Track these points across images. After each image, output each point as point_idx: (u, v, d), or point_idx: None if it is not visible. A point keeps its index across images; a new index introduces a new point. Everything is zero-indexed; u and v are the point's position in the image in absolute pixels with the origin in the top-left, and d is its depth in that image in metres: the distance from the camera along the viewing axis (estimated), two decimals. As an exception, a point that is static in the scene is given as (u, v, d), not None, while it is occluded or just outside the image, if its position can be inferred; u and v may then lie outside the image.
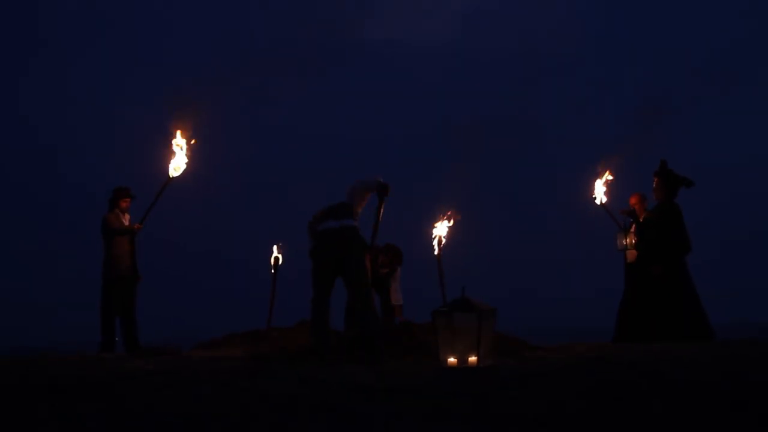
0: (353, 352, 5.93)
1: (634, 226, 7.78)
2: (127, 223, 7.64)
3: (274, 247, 8.18)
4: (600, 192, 8.21)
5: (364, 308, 5.77)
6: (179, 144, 7.51)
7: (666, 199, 7.52)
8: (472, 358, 5.00)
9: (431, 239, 7.52)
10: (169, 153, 7.50)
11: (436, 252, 7.47)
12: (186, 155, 7.52)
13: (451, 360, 5.05)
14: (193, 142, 7.53)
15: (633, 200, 7.93)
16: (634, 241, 7.71)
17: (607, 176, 8.27)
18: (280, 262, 8.16)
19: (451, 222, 7.49)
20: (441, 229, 7.51)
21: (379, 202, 5.98)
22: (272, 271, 8.05)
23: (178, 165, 7.48)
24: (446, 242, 7.48)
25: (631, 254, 7.75)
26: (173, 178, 7.50)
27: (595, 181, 8.27)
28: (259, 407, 3.04)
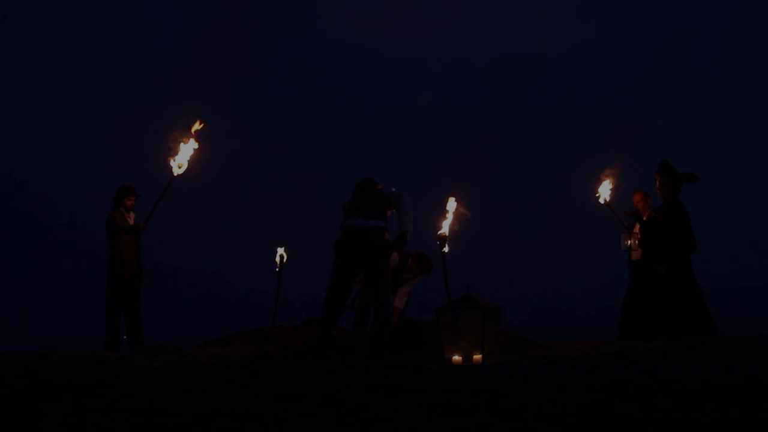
0: (357, 349, 5.94)
1: (638, 225, 7.77)
2: (132, 221, 7.65)
3: (280, 249, 8.20)
4: (604, 191, 8.20)
5: (380, 312, 5.78)
6: (183, 141, 7.51)
7: (671, 197, 7.51)
8: (477, 356, 5.00)
9: (436, 237, 7.52)
10: (173, 151, 7.51)
11: (441, 250, 7.47)
12: (190, 152, 7.52)
13: (456, 358, 5.05)
14: (199, 127, 7.50)
15: (636, 198, 7.92)
16: (637, 242, 7.71)
17: (611, 176, 8.25)
18: (285, 260, 8.16)
19: (456, 213, 7.45)
20: (446, 227, 7.52)
21: (393, 244, 5.93)
22: (277, 269, 8.06)
23: (181, 163, 7.48)
24: (451, 240, 7.48)
25: (636, 252, 7.74)
26: (177, 176, 7.51)
27: (599, 180, 8.26)
28: (264, 402, 3.04)
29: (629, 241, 7.80)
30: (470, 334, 5.02)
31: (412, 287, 7.28)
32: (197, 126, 7.51)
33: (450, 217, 7.53)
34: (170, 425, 2.57)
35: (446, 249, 7.50)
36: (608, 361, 4.70)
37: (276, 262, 8.20)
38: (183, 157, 7.49)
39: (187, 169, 7.53)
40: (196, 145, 7.51)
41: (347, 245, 5.80)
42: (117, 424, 2.60)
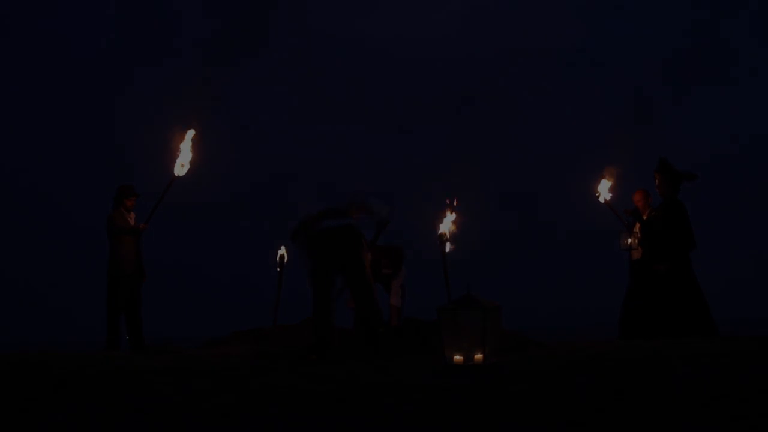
0: (357, 348, 5.96)
1: (638, 225, 7.78)
2: (132, 221, 7.64)
3: (282, 248, 8.19)
4: (604, 190, 8.19)
5: (367, 307, 5.81)
6: (185, 142, 7.50)
7: (670, 195, 7.51)
8: (478, 356, 5.00)
9: (436, 236, 7.52)
10: (175, 151, 7.50)
11: (440, 249, 7.46)
12: (191, 153, 7.51)
13: (457, 357, 5.05)
14: (192, 133, 7.50)
15: (637, 197, 7.92)
16: (637, 241, 7.72)
17: (611, 176, 8.23)
18: (286, 259, 8.16)
19: (454, 209, 7.44)
20: (446, 225, 7.51)
21: (376, 232, 6.11)
22: (278, 269, 8.06)
23: (183, 163, 7.47)
24: (451, 239, 7.47)
25: (636, 251, 7.75)
26: (178, 176, 7.50)
27: (599, 179, 8.25)
28: (264, 402, 3.05)
29: (629, 240, 7.81)
30: (471, 333, 5.02)
31: (402, 280, 7.27)
32: (192, 133, 7.51)
33: (450, 218, 7.52)
34: (171, 425, 2.58)
35: (447, 248, 7.49)
36: (608, 361, 4.71)
37: (277, 262, 8.20)
38: (184, 157, 7.48)
39: (189, 169, 7.51)
40: (192, 150, 7.50)
41: (324, 245, 5.83)
42: (117, 423, 2.61)
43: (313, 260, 5.91)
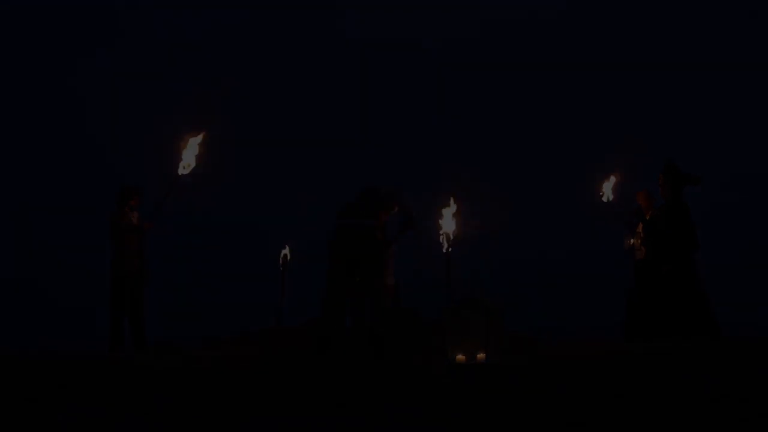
0: (361, 348, 5.96)
1: (641, 225, 7.77)
2: (135, 221, 7.64)
3: (285, 248, 8.18)
4: (608, 190, 8.17)
5: (375, 309, 5.80)
6: (191, 142, 7.49)
7: (673, 197, 7.49)
8: (481, 356, 5.01)
9: (439, 237, 7.50)
10: (180, 150, 7.48)
11: (444, 249, 7.45)
12: (196, 153, 7.49)
13: (460, 357, 5.06)
14: (202, 137, 7.48)
15: (640, 197, 7.91)
16: (639, 242, 7.71)
17: (616, 176, 8.21)
18: (289, 259, 8.16)
19: (455, 208, 7.41)
20: (449, 225, 7.49)
21: (400, 231, 6.10)
22: (281, 269, 8.06)
23: (188, 163, 7.45)
24: (455, 239, 7.45)
25: (640, 252, 7.74)
26: (182, 175, 7.47)
27: (603, 179, 8.22)
28: (267, 402, 3.05)
29: (632, 241, 7.80)
30: (474, 333, 5.03)
31: (393, 257, 7.21)
32: (201, 136, 7.49)
33: (451, 216, 7.49)
34: (172, 425, 2.58)
35: (450, 248, 7.48)
36: (609, 361, 4.71)
37: (279, 262, 8.19)
38: (189, 156, 7.46)
39: (193, 168, 7.49)
40: (199, 149, 7.48)
41: (340, 241, 5.83)
42: (118, 424, 2.61)
43: (328, 256, 5.91)
